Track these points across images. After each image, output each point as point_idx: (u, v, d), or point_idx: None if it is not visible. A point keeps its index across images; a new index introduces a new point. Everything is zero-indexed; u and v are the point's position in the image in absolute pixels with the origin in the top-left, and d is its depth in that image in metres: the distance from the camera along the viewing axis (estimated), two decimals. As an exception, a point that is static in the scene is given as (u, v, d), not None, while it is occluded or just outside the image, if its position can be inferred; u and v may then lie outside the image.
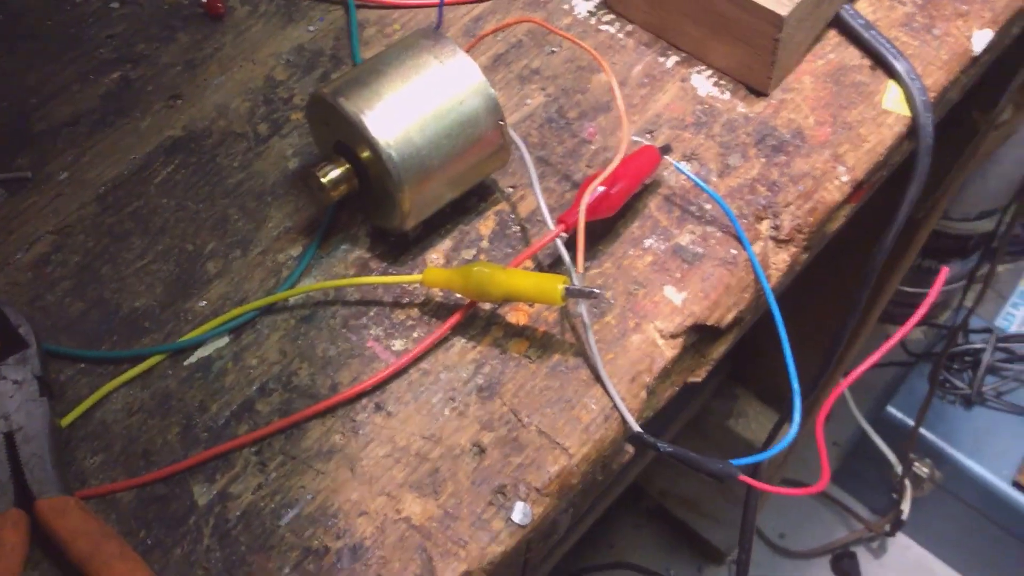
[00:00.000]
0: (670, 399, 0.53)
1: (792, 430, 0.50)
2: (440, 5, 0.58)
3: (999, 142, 1.32)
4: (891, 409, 1.56)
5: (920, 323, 1.83)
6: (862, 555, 1.66)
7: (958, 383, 1.56)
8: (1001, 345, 1.57)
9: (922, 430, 1.52)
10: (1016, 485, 1.49)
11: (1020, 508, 1.49)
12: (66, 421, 0.46)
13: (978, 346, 1.57)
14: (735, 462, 0.50)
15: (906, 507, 1.55)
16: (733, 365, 1.35)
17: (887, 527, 1.61)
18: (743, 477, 0.49)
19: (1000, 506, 1.51)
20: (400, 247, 0.52)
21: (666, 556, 1.65)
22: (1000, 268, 1.93)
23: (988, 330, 1.58)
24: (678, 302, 0.51)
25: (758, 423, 1.42)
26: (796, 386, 0.51)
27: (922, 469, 1.55)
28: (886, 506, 1.64)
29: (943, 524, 1.62)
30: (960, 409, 1.56)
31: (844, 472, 1.72)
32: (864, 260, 0.66)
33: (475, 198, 0.54)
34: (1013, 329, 1.71)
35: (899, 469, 1.53)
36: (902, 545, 1.68)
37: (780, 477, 1.57)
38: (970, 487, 1.53)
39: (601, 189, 0.50)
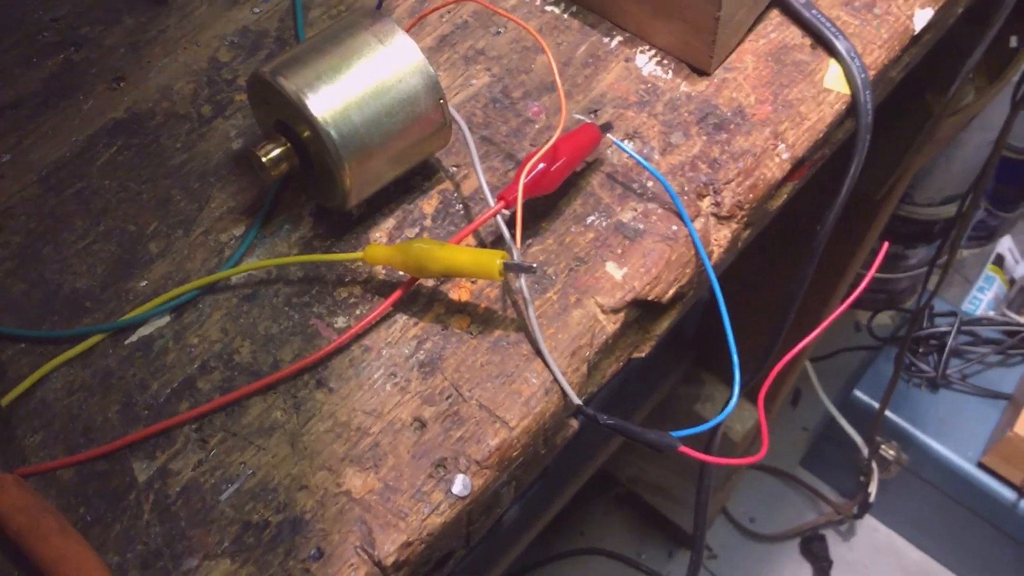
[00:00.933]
0: (614, 375, 0.54)
1: (732, 402, 0.51)
2: (384, -14, 0.58)
3: (961, 127, 1.33)
4: (858, 393, 1.58)
5: (887, 308, 1.84)
6: (831, 537, 1.68)
7: (924, 367, 1.58)
8: (966, 328, 1.59)
9: (888, 413, 1.53)
10: (981, 466, 1.51)
11: (985, 489, 1.51)
12: (6, 400, 0.46)
13: (943, 330, 1.58)
14: (675, 434, 0.50)
15: (873, 489, 1.57)
16: (699, 351, 1.36)
17: (855, 509, 1.62)
18: (683, 448, 0.50)
19: (965, 487, 1.53)
20: (343, 226, 0.53)
21: (637, 541, 1.66)
22: (966, 253, 1.95)
23: (953, 314, 1.60)
24: (619, 277, 0.51)
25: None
26: (735, 359, 0.51)
27: (889, 452, 1.57)
28: (854, 489, 1.65)
29: (910, 505, 1.64)
30: (926, 392, 1.58)
31: (813, 456, 1.74)
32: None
33: (418, 177, 0.54)
34: (979, 313, 1.73)
35: (866, 452, 1.55)
36: (870, 527, 1.70)
37: (750, 451, 1.58)
38: (936, 469, 1.55)
39: (541, 166, 0.50)
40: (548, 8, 0.61)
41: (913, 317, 1.34)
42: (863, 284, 0.55)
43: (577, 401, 0.48)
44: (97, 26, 0.59)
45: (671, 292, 0.52)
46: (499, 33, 0.60)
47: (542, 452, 0.50)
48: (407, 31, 0.51)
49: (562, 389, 0.48)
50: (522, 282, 0.49)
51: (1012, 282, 1.84)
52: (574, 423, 0.52)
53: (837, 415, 1.58)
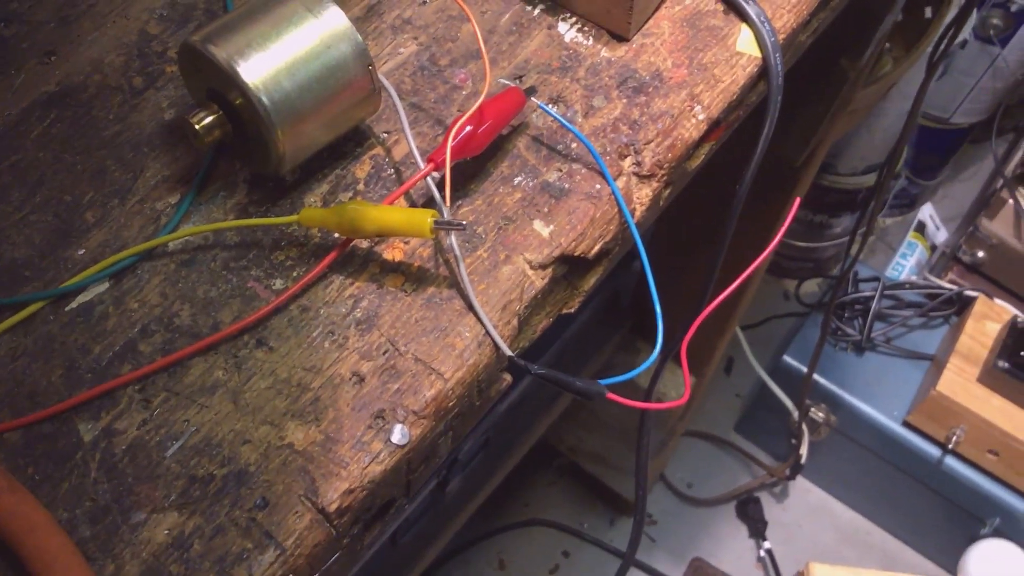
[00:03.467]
0: (545, 330, 0.56)
1: (655, 351, 0.54)
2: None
3: (880, 96, 1.38)
4: (787, 358, 1.63)
5: (814, 275, 1.90)
6: (765, 500, 1.73)
7: (849, 331, 1.63)
8: (888, 292, 1.64)
9: (816, 377, 1.58)
10: (906, 425, 1.57)
11: (911, 447, 1.57)
12: (-52, 368, 0.47)
13: (867, 294, 1.64)
14: (602, 381, 0.53)
15: (804, 451, 1.62)
16: (635, 320, 1.39)
17: (788, 472, 1.68)
18: (611, 395, 0.52)
19: (892, 446, 1.59)
20: (278, 192, 0.54)
21: (579, 511, 1.70)
22: (889, 221, 2.01)
23: (876, 279, 1.65)
24: (546, 234, 0.53)
25: (662, 377, 1.46)
26: (658, 309, 0.54)
27: (818, 414, 1.63)
28: (787, 452, 1.71)
29: (840, 466, 1.69)
30: (852, 356, 1.64)
31: (746, 421, 1.79)
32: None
33: (351, 143, 0.56)
34: (903, 278, 1.79)
35: (796, 415, 1.60)
36: (803, 488, 1.75)
37: (685, 428, 1.62)
38: (863, 429, 1.61)
39: (468, 129, 0.52)
40: (472, -21, 0.63)
41: (837, 282, 1.39)
42: (779, 235, 0.58)
43: (509, 352, 0.51)
44: (26, 1, 0.60)
45: (596, 248, 0.55)
46: (425, 3, 0.62)
47: (477, 404, 0.52)
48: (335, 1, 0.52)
49: (494, 342, 0.50)
50: (452, 240, 0.51)
51: (933, 248, 1.91)
52: (508, 377, 0.54)
53: (768, 381, 1.62)
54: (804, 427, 1.60)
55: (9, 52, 0.58)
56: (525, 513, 1.68)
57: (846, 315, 1.64)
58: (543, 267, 0.53)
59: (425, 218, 0.49)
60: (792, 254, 1.86)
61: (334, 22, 0.51)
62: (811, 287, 1.90)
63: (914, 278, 1.77)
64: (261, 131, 0.50)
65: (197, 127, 0.50)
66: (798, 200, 0.60)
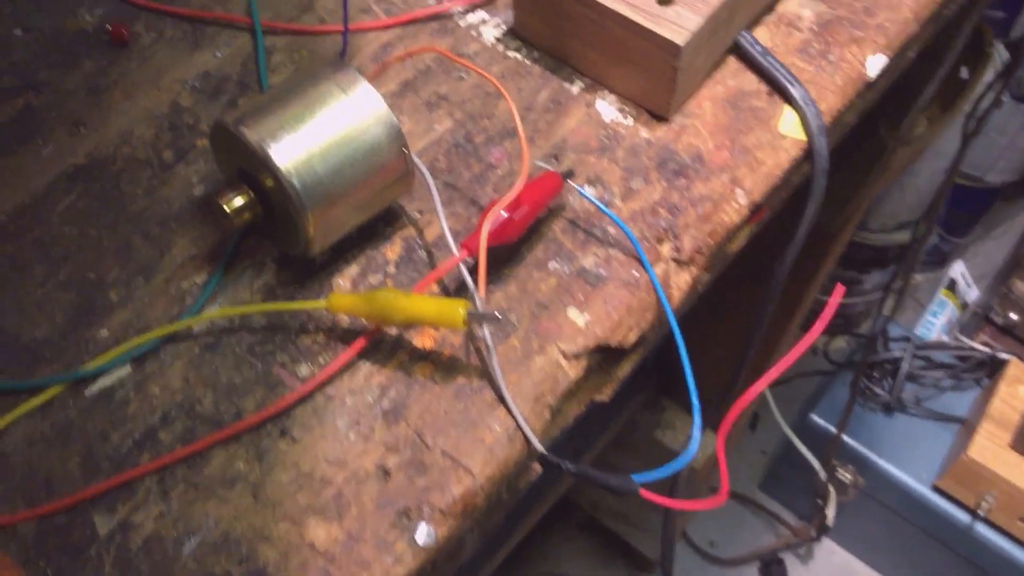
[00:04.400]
0: (577, 417, 0.54)
1: (691, 448, 0.52)
2: (344, 32, 0.59)
3: (914, 156, 1.36)
4: (814, 417, 1.60)
5: (842, 332, 1.87)
6: (790, 561, 1.69)
7: (879, 391, 1.60)
8: (919, 353, 1.61)
9: (844, 437, 1.55)
10: (935, 489, 1.53)
11: (940, 511, 1.53)
12: (-36, 453, 0.46)
13: (897, 354, 1.61)
14: (636, 478, 0.51)
15: (831, 512, 1.59)
16: (660, 378, 1.37)
17: (813, 532, 1.64)
18: (644, 492, 0.50)
19: (921, 510, 1.55)
20: (306, 272, 0.53)
21: (599, 567, 1.67)
22: (919, 277, 1.99)
23: (907, 339, 1.62)
24: (581, 323, 0.52)
25: (685, 434, 1.44)
26: (696, 403, 0.52)
27: (845, 475, 1.59)
28: (812, 512, 1.67)
29: (867, 528, 1.66)
30: (881, 416, 1.60)
31: (771, 479, 1.76)
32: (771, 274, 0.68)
33: (382, 223, 0.55)
34: (933, 337, 1.76)
35: (823, 475, 1.57)
36: (828, 550, 1.71)
37: (708, 486, 1.59)
38: (891, 492, 1.57)
39: (504, 215, 0.51)
40: (510, 54, 0.62)
41: (869, 342, 1.37)
42: (819, 328, 0.56)
43: (540, 449, 0.49)
44: (56, 70, 0.59)
45: (633, 337, 0.53)
46: (461, 79, 0.60)
47: (505, 497, 0.50)
48: (371, 80, 0.51)
49: (525, 436, 0.49)
50: (485, 330, 0.49)
51: (964, 306, 1.88)
52: (537, 467, 0.52)
53: (795, 439, 1.59)
54: (831, 488, 1.57)
55: (37, 121, 0.57)
56: (544, 567, 1.65)
57: (875, 374, 1.61)
58: (578, 357, 0.51)
59: (458, 309, 0.47)
60: (819, 309, 1.83)
61: (368, 104, 0.50)
62: (840, 343, 1.87)
63: (945, 338, 1.74)
64: (291, 214, 0.49)
65: (227, 209, 0.49)
66: (841, 288, 0.58)
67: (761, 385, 0.55)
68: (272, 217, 0.51)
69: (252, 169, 0.49)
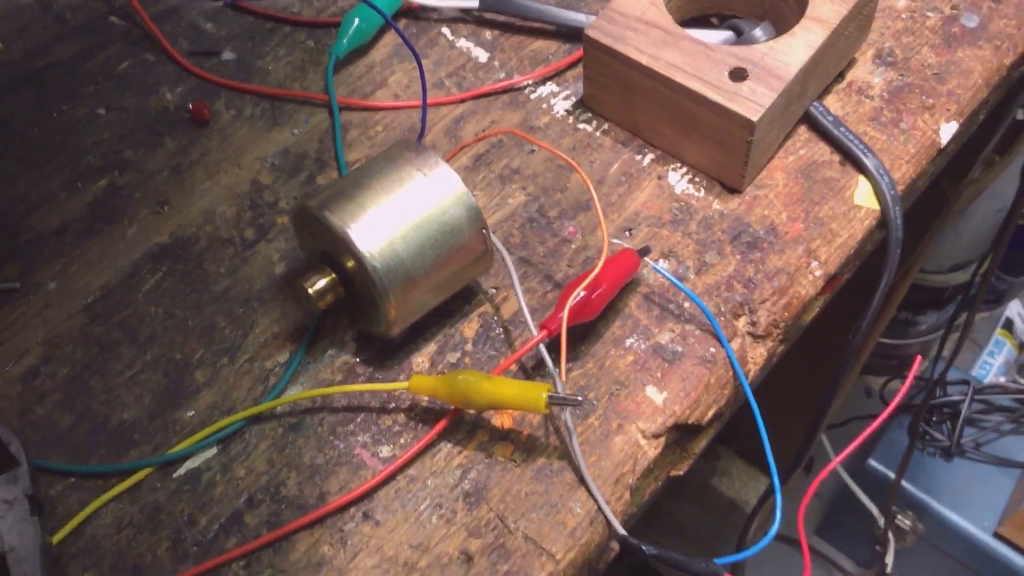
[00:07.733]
0: (653, 494, 0.54)
1: (773, 528, 0.51)
2: (423, 108, 0.60)
3: (971, 199, 1.35)
4: (872, 462, 1.57)
5: (897, 372, 1.84)
6: (848, 609, 1.66)
7: (937, 435, 1.58)
8: (979, 397, 1.59)
9: (903, 483, 1.52)
10: (997, 536, 1.50)
11: (1001, 559, 1.50)
12: (57, 538, 0.46)
13: (956, 398, 1.58)
14: (719, 561, 0.50)
15: (890, 560, 1.56)
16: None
17: (872, 580, 1.61)
18: (727, 576, 0.50)
19: (982, 558, 1.52)
20: (386, 351, 0.53)
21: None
22: (976, 317, 1.95)
23: (965, 382, 1.60)
24: (659, 402, 0.52)
25: (741, 482, 1.43)
26: (777, 484, 0.52)
27: (904, 522, 1.56)
28: (870, 558, 1.64)
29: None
30: (940, 461, 1.58)
31: (828, 525, 1.73)
32: (841, 336, 0.67)
33: (459, 301, 0.55)
34: (989, 378, 1.73)
35: (882, 522, 1.54)
36: (887, 598, 1.68)
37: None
38: (952, 539, 1.54)
39: (582, 294, 0.51)
40: (580, 126, 0.62)
41: (930, 387, 1.34)
42: (893, 405, 0.56)
43: (622, 532, 0.49)
44: (139, 149, 0.60)
45: (710, 414, 0.53)
46: (533, 152, 0.61)
47: (585, 579, 0.50)
48: (447, 160, 0.52)
49: (606, 519, 0.48)
50: (566, 411, 0.49)
51: (1022, 346, 1.85)
52: (615, 546, 0.52)
53: (852, 484, 1.57)
54: (890, 534, 1.54)
55: (122, 201, 0.58)
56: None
57: (934, 419, 1.59)
58: (656, 436, 0.51)
59: (540, 394, 0.47)
60: (875, 351, 1.81)
61: (448, 185, 0.51)
62: (895, 386, 1.85)
63: (1003, 379, 1.71)
64: (373, 296, 0.49)
65: (311, 291, 0.50)
66: (918, 358, 0.58)
67: (841, 457, 0.54)
68: (353, 297, 0.51)
69: (334, 251, 0.50)
